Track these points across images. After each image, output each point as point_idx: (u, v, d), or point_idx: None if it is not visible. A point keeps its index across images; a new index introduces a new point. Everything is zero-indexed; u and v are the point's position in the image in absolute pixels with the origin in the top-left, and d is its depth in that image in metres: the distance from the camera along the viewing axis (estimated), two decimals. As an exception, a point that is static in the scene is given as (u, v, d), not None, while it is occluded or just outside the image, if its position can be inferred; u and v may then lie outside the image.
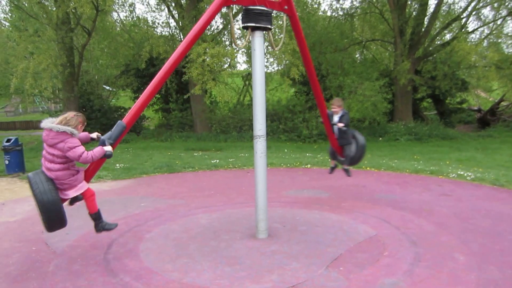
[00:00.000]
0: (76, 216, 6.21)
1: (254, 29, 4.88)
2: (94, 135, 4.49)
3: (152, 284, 3.87)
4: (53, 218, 4.04)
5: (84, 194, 4.25)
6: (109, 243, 5.03)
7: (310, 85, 21.23)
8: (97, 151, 4.14)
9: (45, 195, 3.92)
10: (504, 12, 19.92)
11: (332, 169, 7.40)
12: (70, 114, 4.17)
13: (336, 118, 6.51)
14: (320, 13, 22.52)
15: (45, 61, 16.29)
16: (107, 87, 25.94)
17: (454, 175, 9.23)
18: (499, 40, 20.76)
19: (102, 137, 4.31)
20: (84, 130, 4.42)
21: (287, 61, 17.08)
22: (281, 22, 17.27)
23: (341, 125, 6.33)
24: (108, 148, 4.21)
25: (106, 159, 4.38)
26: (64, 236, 5.33)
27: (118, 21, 24.16)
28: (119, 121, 4.44)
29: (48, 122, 4.06)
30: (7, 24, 24.23)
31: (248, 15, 4.81)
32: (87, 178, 4.39)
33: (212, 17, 4.80)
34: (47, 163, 4.10)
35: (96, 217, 4.42)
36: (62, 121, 4.07)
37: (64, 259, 4.55)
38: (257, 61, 4.94)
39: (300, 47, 5.61)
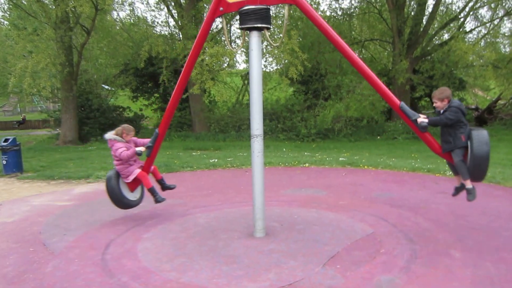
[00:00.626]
0: (74, 217, 6.27)
1: (250, 29, 4.88)
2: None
3: (150, 284, 3.88)
4: (113, 199, 5.84)
5: (139, 177, 5.88)
6: (107, 243, 5.04)
7: (308, 84, 21.25)
8: (131, 151, 5.73)
9: (108, 183, 5.80)
10: (501, 13, 20.05)
11: (457, 190, 5.08)
12: (119, 127, 5.96)
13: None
14: (319, 13, 22.55)
15: (43, 60, 16.24)
16: (106, 86, 25.97)
17: (451, 173, 9.25)
18: (496, 40, 20.84)
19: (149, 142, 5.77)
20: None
21: (286, 61, 17.10)
22: (280, 22, 17.30)
23: (421, 120, 4.63)
24: (139, 148, 5.78)
25: (155, 156, 5.84)
26: (62, 237, 5.36)
27: (117, 20, 24.19)
28: (156, 129, 5.67)
29: (107, 133, 5.96)
30: (6, 22, 24.21)
31: (243, 17, 4.80)
32: (146, 168, 5.93)
33: (207, 29, 5.07)
34: (113, 161, 5.94)
35: (151, 191, 5.98)
36: (114, 132, 5.92)
37: (61, 260, 4.55)
38: (254, 61, 4.94)
39: (324, 33, 4.80)
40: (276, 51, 16.71)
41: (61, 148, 16.87)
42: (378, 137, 18.88)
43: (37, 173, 10.38)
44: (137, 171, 5.87)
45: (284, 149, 15.26)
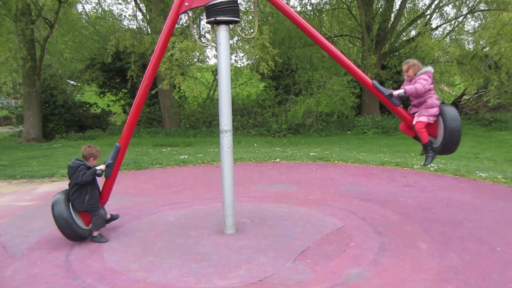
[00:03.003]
0: (37, 218, 6.02)
1: (218, 23, 4.80)
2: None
3: (116, 285, 3.77)
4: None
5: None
6: (71, 244, 4.86)
7: (279, 80, 21.23)
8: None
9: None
10: (464, 10, 20.63)
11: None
12: None
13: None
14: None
15: (3, 54, 15.68)
16: (72, 82, 25.17)
17: (418, 166, 9.48)
18: (461, 37, 21.44)
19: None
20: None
21: (257, 56, 17.03)
22: (251, 17, 17.21)
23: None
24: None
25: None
26: (24, 238, 5.12)
27: (82, 13, 23.48)
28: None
29: None
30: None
31: (210, 10, 4.71)
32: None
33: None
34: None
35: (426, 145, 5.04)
36: None
37: (23, 263, 4.35)
38: (222, 55, 4.87)
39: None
40: (247, 46, 16.61)
41: (24, 146, 16.25)
42: (348, 132, 19.15)
43: (-2, 172, 9.94)
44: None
45: (255, 145, 15.25)
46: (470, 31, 21.59)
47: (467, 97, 24.60)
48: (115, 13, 22.83)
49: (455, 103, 23.86)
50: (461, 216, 5.65)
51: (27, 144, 16.92)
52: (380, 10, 21.55)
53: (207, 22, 4.89)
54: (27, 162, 11.33)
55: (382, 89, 4.93)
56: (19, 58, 16.31)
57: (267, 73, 16.68)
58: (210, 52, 26.20)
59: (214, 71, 23.83)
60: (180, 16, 5.05)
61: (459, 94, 25.12)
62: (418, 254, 4.30)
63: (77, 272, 4.08)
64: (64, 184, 8.39)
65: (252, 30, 16.59)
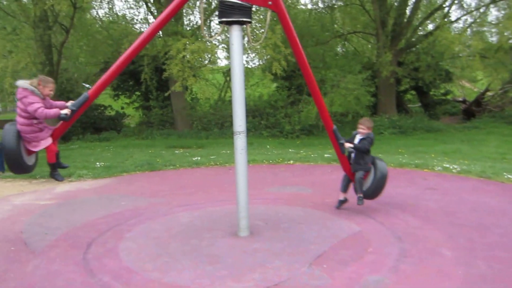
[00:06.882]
0: (56, 216, 6.12)
1: (231, 23, 4.73)
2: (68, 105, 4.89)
3: (131, 284, 3.77)
4: (10, 162, 4.73)
5: (47, 148, 4.89)
6: (89, 242, 4.92)
7: (292, 80, 20.92)
8: (54, 111, 4.68)
9: (7, 142, 4.60)
10: (487, 0, 19.77)
11: (341, 202, 6.19)
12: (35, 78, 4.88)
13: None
14: (301, 6, 22.38)
15: (23, 60, 16.03)
16: (87, 85, 25.47)
17: (439, 168, 9.19)
18: (483, 29, 20.57)
19: (68, 103, 4.86)
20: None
21: (269, 56, 16.88)
22: (262, 17, 17.10)
23: (348, 145, 5.77)
24: (64, 111, 4.71)
25: (72, 123, 5.07)
26: (43, 236, 5.21)
27: (96, 18, 23.71)
28: (84, 93, 4.95)
29: (19, 81, 4.80)
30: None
31: (224, 9, 4.65)
32: (55, 135, 4.98)
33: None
34: (16, 117, 4.75)
35: (52, 166, 5.22)
36: (29, 82, 4.77)
37: (43, 259, 4.44)
38: (236, 56, 4.82)
39: (290, 42, 5.37)
40: (258, 47, 16.44)
41: (42, 148, 16.49)
42: (364, 132, 18.78)
43: (17, 173, 10.04)
44: (48, 142, 4.85)
45: (268, 146, 15.11)
46: (494, 22, 20.70)
47: (491, 93, 23.45)
48: (127, 17, 22.97)
49: (478, 100, 22.89)
50: (489, 221, 5.40)
51: (45, 146, 17.17)
52: (395, 4, 21.01)
53: (220, 22, 4.81)
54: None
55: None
56: (38, 63, 16.67)
57: (280, 73, 16.50)
58: (221, 54, 26.11)
59: (225, 73, 23.79)
60: (191, 17, 4.96)
61: (481, 91, 24.12)
62: (442, 261, 4.12)
63: (94, 270, 4.13)
64: (81, 184, 8.47)
65: (262, 30, 16.38)
